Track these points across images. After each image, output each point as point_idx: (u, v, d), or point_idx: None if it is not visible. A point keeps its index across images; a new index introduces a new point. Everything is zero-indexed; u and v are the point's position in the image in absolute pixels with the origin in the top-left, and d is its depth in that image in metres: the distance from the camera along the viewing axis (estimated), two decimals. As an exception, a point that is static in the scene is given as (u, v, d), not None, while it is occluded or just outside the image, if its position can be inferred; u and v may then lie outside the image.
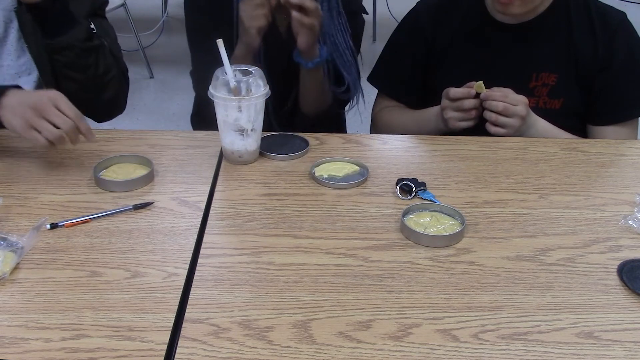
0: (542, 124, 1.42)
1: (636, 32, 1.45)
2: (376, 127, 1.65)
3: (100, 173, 1.19)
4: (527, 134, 1.40)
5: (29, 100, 1.15)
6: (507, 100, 1.33)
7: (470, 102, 1.36)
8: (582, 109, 1.47)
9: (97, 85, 1.41)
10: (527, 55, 1.46)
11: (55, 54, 1.34)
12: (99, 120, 1.51)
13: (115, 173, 1.20)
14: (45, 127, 1.12)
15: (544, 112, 1.42)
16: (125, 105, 1.54)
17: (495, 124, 1.35)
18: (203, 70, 1.38)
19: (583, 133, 1.48)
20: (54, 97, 1.15)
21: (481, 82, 1.35)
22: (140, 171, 1.20)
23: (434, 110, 1.46)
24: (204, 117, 1.57)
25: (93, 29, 1.39)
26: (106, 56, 1.41)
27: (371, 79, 1.63)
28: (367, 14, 1.66)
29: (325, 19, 1.46)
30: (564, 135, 1.44)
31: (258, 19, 1.37)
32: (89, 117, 1.41)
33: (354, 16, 1.55)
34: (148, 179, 1.19)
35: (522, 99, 1.34)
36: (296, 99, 1.58)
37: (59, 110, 1.13)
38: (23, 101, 1.15)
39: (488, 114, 1.35)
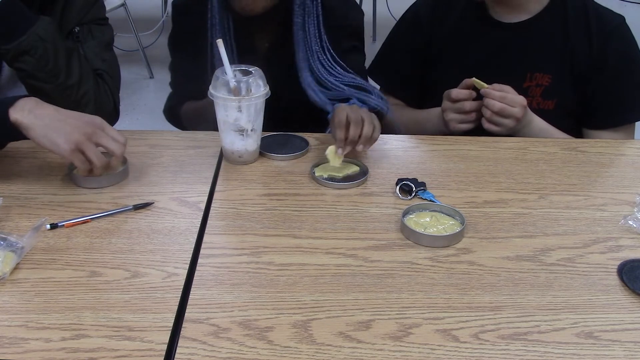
0: (537, 123, 1.42)
1: (633, 37, 1.44)
2: None
3: (75, 169, 1.17)
4: (522, 133, 1.40)
5: (75, 121, 1.08)
6: (505, 101, 1.34)
7: (471, 104, 1.37)
8: (575, 111, 1.47)
9: (69, 98, 1.26)
10: (522, 55, 1.46)
11: (16, 62, 1.20)
12: None
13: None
14: (95, 151, 1.09)
15: (538, 112, 1.42)
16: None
17: (490, 122, 1.36)
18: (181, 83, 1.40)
19: (576, 134, 1.48)
20: (102, 123, 1.11)
21: (474, 78, 1.36)
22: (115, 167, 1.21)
23: (435, 111, 1.46)
24: (174, 113, 1.57)
25: (76, 32, 1.30)
26: (81, 65, 1.28)
27: (369, 73, 1.63)
28: (362, 13, 1.64)
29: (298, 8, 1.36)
30: (559, 134, 1.44)
31: None
32: None
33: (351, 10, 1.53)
34: (123, 175, 1.19)
35: (520, 100, 1.35)
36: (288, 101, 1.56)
37: (106, 131, 1.10)
38: (67, 121, 1.08)
39: (484, 110, 1.36)
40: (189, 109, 1.50)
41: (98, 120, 1.11)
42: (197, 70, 1.38)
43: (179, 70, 1.55)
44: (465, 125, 1.39)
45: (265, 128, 1.28)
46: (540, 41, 1.44)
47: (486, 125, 1.37)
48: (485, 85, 1.36)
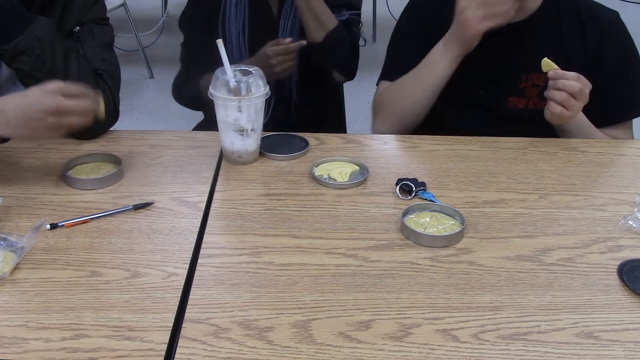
0: (581, 116, 1.37)
1: (628, 33, 1.43)
2: (378, 108, 1.54)
3: (70, 171, 1.18)
4: (568, 125, 1.36)
5: (33, 107, 1.06)
6: (581, 82, 1.27)
7: None
8: None
9: None
10: (517, 56, 1.44)
11: (13, 62, 1.20)
12: (81, 138, 1.32)
13: (90, 171, 1.20)
14: (72, 121, 1.07)
15: (535, 113, 1.41)
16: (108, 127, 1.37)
17: (564, 105, 1.28)
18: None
19: None
20: (53, 88, 1.06)
21: (545, 58, 1.30)
22: (109, 169, 1.21)
23: (437, 47, 1.39)
24: (183, 92, 1.62)
25: (76, 32, 1.30)
26: (80, 65, 1.27)
27: (383, 78, 1.59)
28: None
29: None
30: (596, 133, 1.40)
31: (289, 69, 1.52)
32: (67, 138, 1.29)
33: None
34: (117, 176, 1.19)
35: (586, 83, 1.29)
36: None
37: (66, 94, 1.06)
38: (28, 112, 1.06)
39: (559, 94, 1.28)
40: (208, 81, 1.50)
41: (48, 88, 1.07)
42: (213, 39, 1.38)
43: (194, 42, 1.59)
44: (489, 22, 1.28)
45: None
46: (534, 42, 1.43)
47: (558, 109, 1.29)
48: (555, 66, 1.29)
